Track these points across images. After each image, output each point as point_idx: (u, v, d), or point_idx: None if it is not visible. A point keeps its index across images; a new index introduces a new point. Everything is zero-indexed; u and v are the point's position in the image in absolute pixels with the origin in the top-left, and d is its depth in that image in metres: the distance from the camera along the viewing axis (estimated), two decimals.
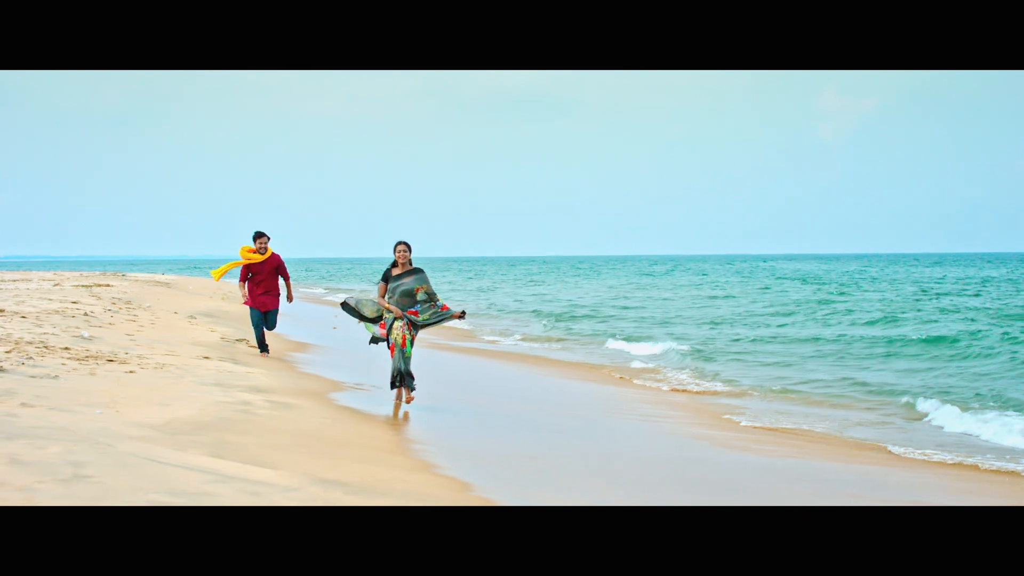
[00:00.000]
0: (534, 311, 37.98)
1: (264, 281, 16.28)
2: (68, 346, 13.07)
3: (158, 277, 47.39)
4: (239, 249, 16.31)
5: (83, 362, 11.75)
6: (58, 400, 8.95)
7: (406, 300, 12.33)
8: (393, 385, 12.32)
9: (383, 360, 13.97)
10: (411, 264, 12.47)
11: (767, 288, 55.21)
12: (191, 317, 22.98)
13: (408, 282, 12.36)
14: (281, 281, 16.56)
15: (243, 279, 16.34)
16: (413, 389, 12.28)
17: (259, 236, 16.25)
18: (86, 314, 18.47)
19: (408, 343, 12.22)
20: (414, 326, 12.33)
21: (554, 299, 48.07)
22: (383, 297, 12.43)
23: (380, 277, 12.66)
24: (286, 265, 16.86)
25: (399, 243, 12.46)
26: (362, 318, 12.49)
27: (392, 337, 12.25)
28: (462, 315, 12.59)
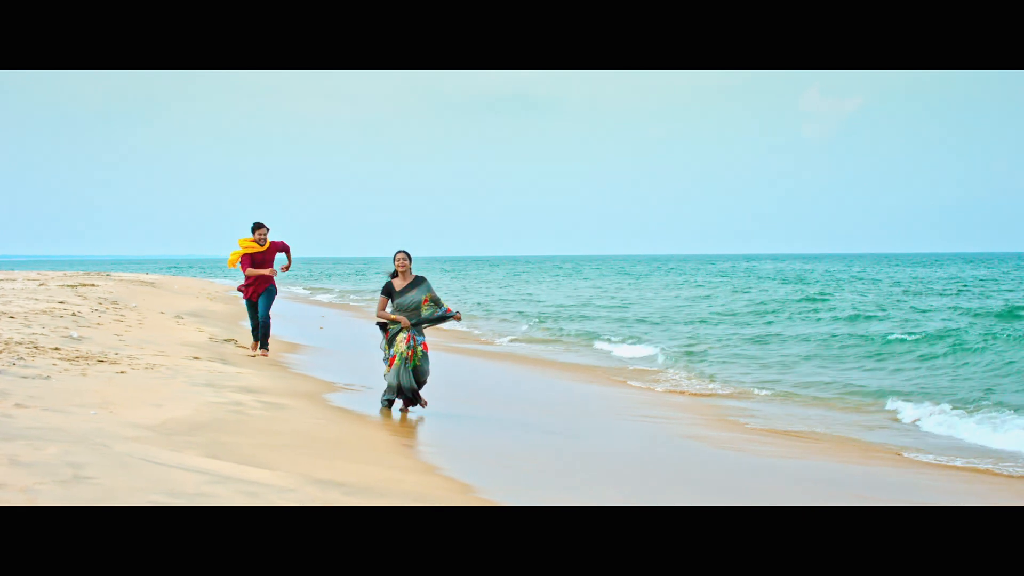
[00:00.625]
0: (521, 312, 37.96)
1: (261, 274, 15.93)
2: (58, 346, 13.02)
3: (142, 277, 47.24)
4: (238, 240, 15.86)
5: (74, 362, 11.70)
6: (52, 401, 8.92)
7: (414, 313, 11.87)
8: (398, 396, 11.87)
9: (375, 361, 13.91)
10: (412, 273, 12.05)
11: (750, 288, 55.34)
12: (178, 317, 22.96)
13: (414, 294, 11.86)
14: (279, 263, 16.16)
15: (248, 264, 15.92)
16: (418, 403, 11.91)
17: (258, 227, 15.77)
18: (74, 314, 18.40)
19: (415, 357, 11.75)
20: (419, 333, 11.91)
21: (540, 299, 48.06)
22: (384, 310, 11.89)
23: (381, 291, 11.99)
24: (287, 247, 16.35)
25: (398, 252, 11.95)
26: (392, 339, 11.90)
27: (394, 350, 11.80)
28: (458, 317, 12.20)
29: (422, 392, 12.02)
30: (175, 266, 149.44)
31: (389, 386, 11.88)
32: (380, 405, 12.02)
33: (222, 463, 7.28)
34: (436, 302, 12.04)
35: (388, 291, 11.93)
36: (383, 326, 12.04)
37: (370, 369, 14.17)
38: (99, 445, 7.09)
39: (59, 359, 11.80)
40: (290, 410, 10.74)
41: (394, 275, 12.00)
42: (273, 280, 16.11)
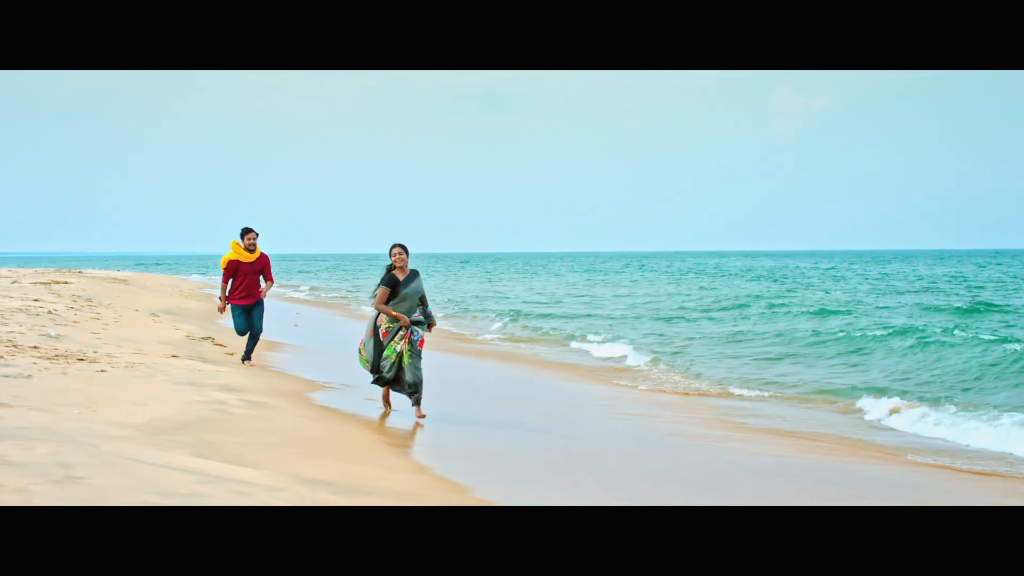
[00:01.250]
0: (496, 310, 37.93)
1: (248, 281, 14.77)
2: (37, 345, 12.90)
3: (115, 274, 46.81)
4: (231, 243, 14.78)
5: (54, 361, 11.61)
6: (36, 400, 8.85)
7: (413, 307, 11.71)
8: (381, 382, 11.75)
9: (354, 360, 13.82)
10: (407, 267, 11.81)
11: (722, 286, 55.57)
12: (153, 315, 22.80)
13: (415, 285, 11.69)
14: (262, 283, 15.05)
15: (227, 279, 14.70)
16: (418, 401, 11.67)
17: (247, 232, 14.67)
18: (50, 312, 18.25)
19: (413, 354, 11.57)
20: (417, 331, 11.74)
21: (513, 296, 48.09)
22: (385, 304, 11.59)
23: (382, 283, 11.64)
24: (271, 268, 15.19)
25: (395, 246, 11.70)
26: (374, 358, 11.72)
27: (388, 351, 11.59)
28: (433, 324, 12.13)
29: (421, 406, 11.71)
30: (142, 263, 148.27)
31: (377, 375, 11.80)
32: (367, 392, 12.08)
33: (210, 462, 7.24)
34: (422, 300, 11.97)
35: (392, 283, 11.61)
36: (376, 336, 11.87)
37: (350, 368, 14.10)
38: (87, 445, 7.04)
39: (39, 358, 11.71)
40: (274, 409, 10.69)
41: (392, 268, 11.74)
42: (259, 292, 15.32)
